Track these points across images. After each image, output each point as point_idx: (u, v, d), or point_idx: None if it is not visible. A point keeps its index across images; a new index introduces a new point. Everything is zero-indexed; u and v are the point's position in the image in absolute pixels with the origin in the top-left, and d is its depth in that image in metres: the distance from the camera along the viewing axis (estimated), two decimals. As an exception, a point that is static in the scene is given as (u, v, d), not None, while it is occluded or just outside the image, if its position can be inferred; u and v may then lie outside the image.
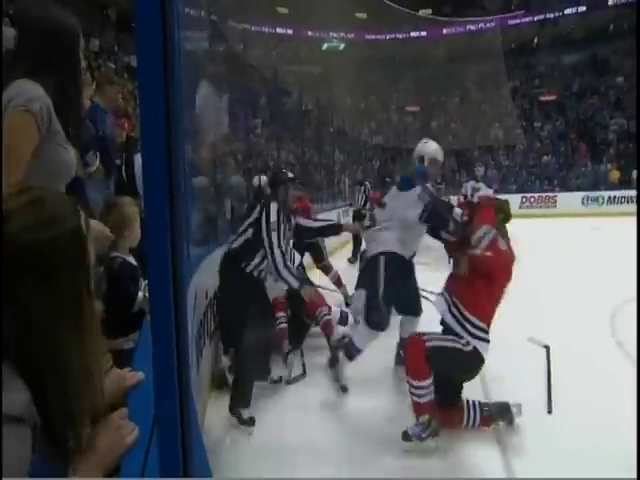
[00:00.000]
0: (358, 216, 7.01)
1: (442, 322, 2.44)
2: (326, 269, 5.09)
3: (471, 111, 18.81)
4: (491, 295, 2.36)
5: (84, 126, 1.52)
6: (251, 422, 2.60)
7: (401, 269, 2.79)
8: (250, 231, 2.81)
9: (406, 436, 2.26)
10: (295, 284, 2.73)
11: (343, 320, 3.83)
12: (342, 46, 17.93)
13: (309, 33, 17.52)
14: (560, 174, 16.83)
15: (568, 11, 20.44)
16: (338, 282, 5.10)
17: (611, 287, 5.05)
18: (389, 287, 2.72)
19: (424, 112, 19.06)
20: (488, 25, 18.80)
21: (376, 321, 2.72)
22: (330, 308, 3.57)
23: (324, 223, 3.74)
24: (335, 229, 3.26)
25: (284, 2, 16.01)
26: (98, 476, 0.72)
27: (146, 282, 2.23)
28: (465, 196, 7.24)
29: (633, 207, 14.51)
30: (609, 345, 3.63)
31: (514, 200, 14.88)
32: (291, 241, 3.25)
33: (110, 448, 0.76)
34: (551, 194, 15.66)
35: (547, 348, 3.01)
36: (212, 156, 4.81)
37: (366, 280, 2.89)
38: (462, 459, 2.21)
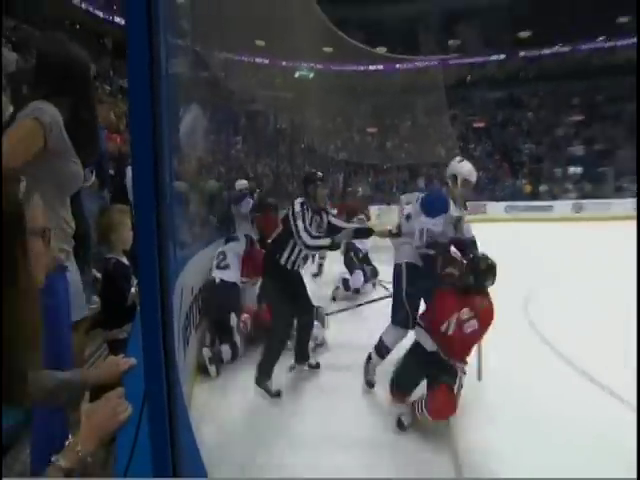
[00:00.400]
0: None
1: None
2: None
3: (419, 133, 19.23)
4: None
5: (95, 143, 1.48)
6: (277, 394, 2.57)
7: (420, 276, 2.62)
8: (280, 227, 2.73)
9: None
10: (327, 242, 2.59)
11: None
12: (312, 75, 17.90)
13: (283, 63, 17.39)
14: (489, 187, 17.47)
15: (493, 57, 21.60)
16: None
17: (526, 276, 5.44)
18: (410, 290, 2.59)
19: (381, 133, 19.36)
20: (432, 64, 19.31)
21: (401, 320, 2.59)
22: None
23: (358, 225, 3.53)
24: (367, 232, 2.98)
25: (262, 36, 15.82)
26: (93, 446, 0.71)
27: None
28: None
29: (544, 214, 15.31)
30: (523, 324, 3.88)
31: (453, 208, 15.40)
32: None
33: (106, 422, 0.75)
34: (482, 203, 16.22)
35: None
36: (198, 167, 4.70)
37: (393, 284, 2.72)
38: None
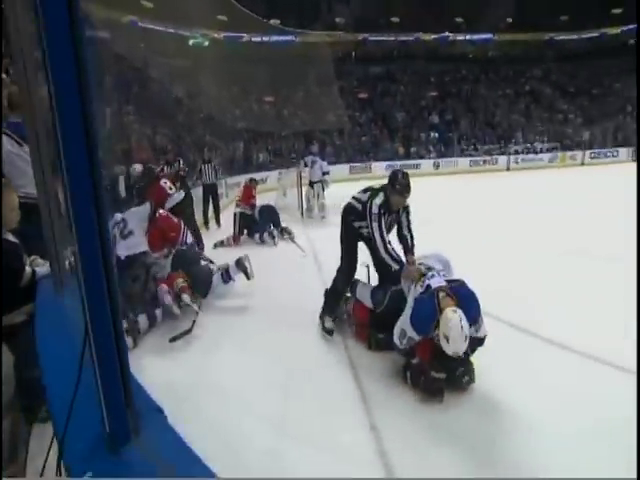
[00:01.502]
0: (209, 189, 6.53)
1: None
2: None
3: (312, 102, 19.12)
4: None
5: None
6: (329, 333, 2.61)
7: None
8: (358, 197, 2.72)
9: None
10: (395, 266, 2.46)
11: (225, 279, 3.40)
12: (206, 43, 16.20)
13: (174, 30, 15.34)
14: (372, 149, 18.55)
15: (371, 38, 22.66)
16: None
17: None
18: None
19: (277, 102, 18.76)
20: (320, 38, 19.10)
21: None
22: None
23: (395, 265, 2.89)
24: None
25: (148, -3, 13.60)
26: None
27: (31, 258, 1.95)
28: (305, 164, 7.56)
29: (414, 171, 17.02)
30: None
31: (344, 169, 16.09)
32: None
33: None
34: (367, 163, 17.21)
35: (367, 267, 2.92)
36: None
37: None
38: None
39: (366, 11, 22.13)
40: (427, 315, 2.00)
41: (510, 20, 23.63)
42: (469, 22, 23.64)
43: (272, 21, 18.94)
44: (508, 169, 17.70)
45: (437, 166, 17.48)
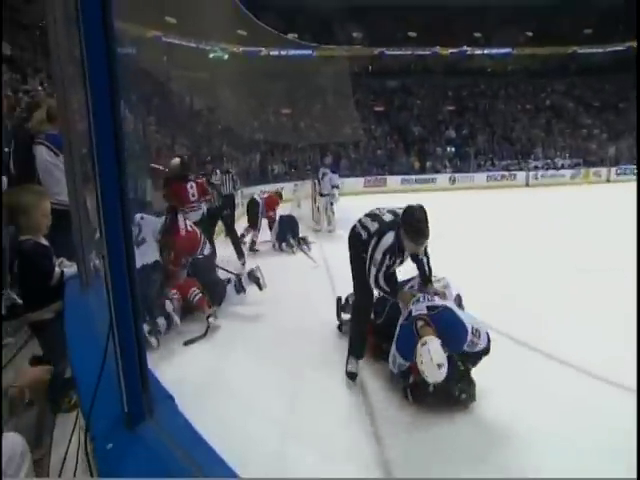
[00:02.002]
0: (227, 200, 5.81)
1: None
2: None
3: (329, 115, 19.47)
4: None
5: None
6: (351, 376, 2.30)
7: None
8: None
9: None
10: (392, 296, 2.33)
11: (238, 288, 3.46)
12: (226, 56, 16.84)
13: (196, 44, 16.04)
14: (387, 163, 18.67)
15: (388, 52, 23.20)
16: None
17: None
18: None
19: (294, 115, 19.20)
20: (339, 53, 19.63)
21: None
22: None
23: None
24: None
25: (172, 13, 14.31)
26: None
27: (59, 260, 2.10)
28: (318, 180, 7.68)
29: (429, 185, 17.00)
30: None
31: (359, 182, 16.24)
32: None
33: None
34: (382, 177, 17.31)
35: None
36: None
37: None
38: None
39: (383, 26, 22.61)
40: (408, 344, 2.02)
41: (530, 34, 23.70)
42: (487, 37, 23.85)
43: (290, 35, 19.62)
44: (527, 185, 17.48)
45: (453, 181, 17.45)
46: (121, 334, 0.76)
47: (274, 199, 6.58)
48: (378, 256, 2.20)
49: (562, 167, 18.56)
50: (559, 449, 1.74)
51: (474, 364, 2.11)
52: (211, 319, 3.09)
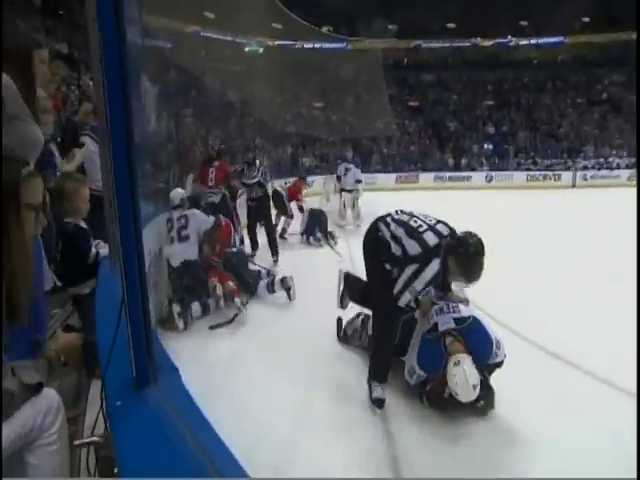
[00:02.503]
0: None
1: None
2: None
3: (361, 109, 19.28)
4: None
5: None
6: (378, 403, 2.05)
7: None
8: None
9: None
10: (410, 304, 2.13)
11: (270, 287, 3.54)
12: (261, 50, 17.09)
13: (232, 38, 16.39)
14: (420, 159, 18.23)
15: (424, 45, 22.37)
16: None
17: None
18: None
19: (327, 108, 19.19)
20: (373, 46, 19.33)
21: None
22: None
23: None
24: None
25: (211, 8, 14.70)
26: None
27: (97, 241, 2.29)
28: (339, 177, 7.61)
29: (464, 183, 16.44)
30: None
31: (390, 178, 16.01)
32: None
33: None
34: (415, 173, 16.94)
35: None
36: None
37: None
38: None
39: (420, 17, 21.90)
40: (435, 360, 1.95)
41: (587, 19, 21.79)
42: (536, 25, 22.30)
43: (324, 28, 19.57)
44: (574, 186, 16.33)
45: (490, 179, 16.76)
46: (131, 309, 0.87)
47: (297, 186, 6.72)
48: (419, 286, 1.95)
49: (617, 167, 17.04)
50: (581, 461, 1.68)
51: (490, 373, 2.07)
52: (241, 307, 3.18)
